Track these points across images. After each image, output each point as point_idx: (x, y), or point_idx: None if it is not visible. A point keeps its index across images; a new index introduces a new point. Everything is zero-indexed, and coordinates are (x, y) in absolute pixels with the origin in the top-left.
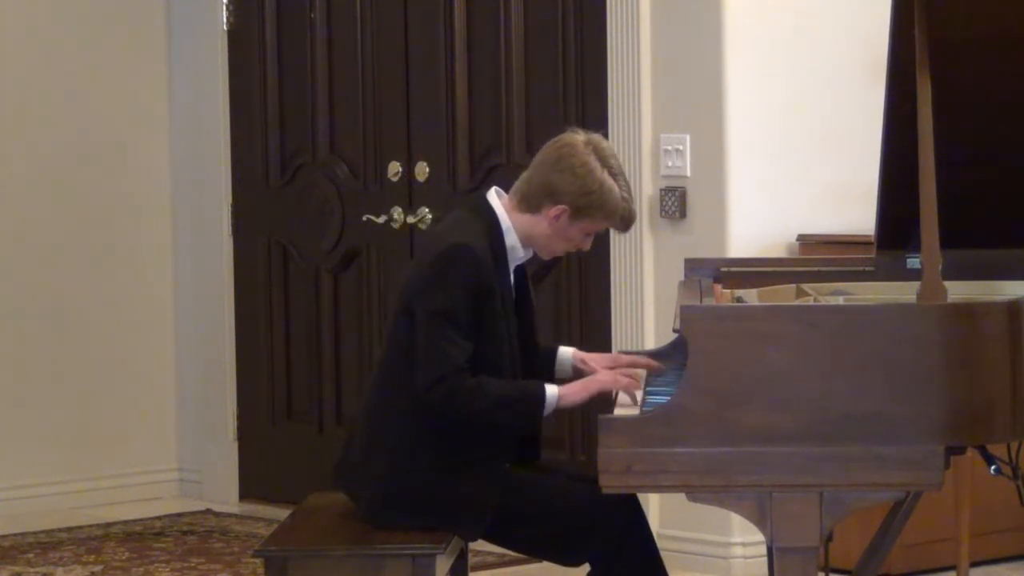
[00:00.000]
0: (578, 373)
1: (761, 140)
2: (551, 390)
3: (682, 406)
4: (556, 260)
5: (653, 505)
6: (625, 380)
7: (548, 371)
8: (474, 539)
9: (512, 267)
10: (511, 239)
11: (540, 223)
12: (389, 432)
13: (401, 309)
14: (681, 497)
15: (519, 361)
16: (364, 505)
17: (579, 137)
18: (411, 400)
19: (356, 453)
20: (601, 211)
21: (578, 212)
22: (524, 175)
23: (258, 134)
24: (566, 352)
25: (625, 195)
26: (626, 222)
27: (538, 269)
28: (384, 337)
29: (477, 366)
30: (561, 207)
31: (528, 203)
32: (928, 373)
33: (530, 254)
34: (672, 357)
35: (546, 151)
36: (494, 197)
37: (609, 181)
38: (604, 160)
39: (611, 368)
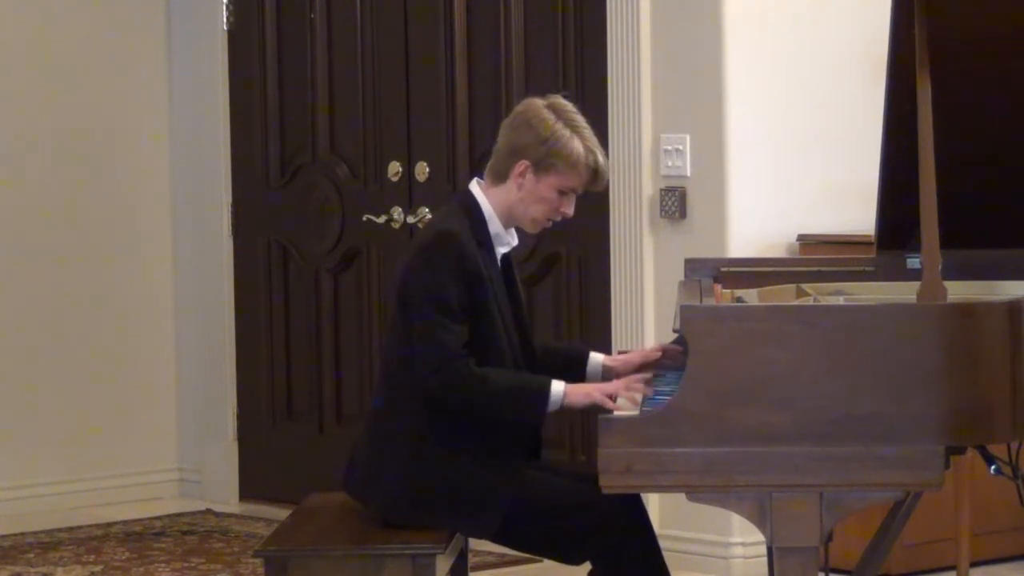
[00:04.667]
0: (607, 377)
1: (761, 140)
2: (557, 386)
3: (682, 406)
4: (555, 261)
5: (653, 505)
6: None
7: (579, 373)
8: (489, 535)
9: (499, 255)
10: (495, 226)
11: (511, 189)
12: (398, 432)
13: (396, 307)
14: (681, 497)
15: (519, 351)
16: (377, 506)
17: (538, 99)
18: (417, 398)
19: (364, 456)
20: (562, 159)
21: (540, 164)
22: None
23: (258, 134)
24: (596, 358)
25: (589, 145)
26: (595, 173)
27: (538, 269)
28: (383, 339)
29: (477, 355)
30: (523, 163)
31: (498, 173)
32: (928, 373)
33: (515, 241)
34: (672, 357)
35: (506, 120)
36: (476, 187)
37: (564, 130)
38: (561, 114)
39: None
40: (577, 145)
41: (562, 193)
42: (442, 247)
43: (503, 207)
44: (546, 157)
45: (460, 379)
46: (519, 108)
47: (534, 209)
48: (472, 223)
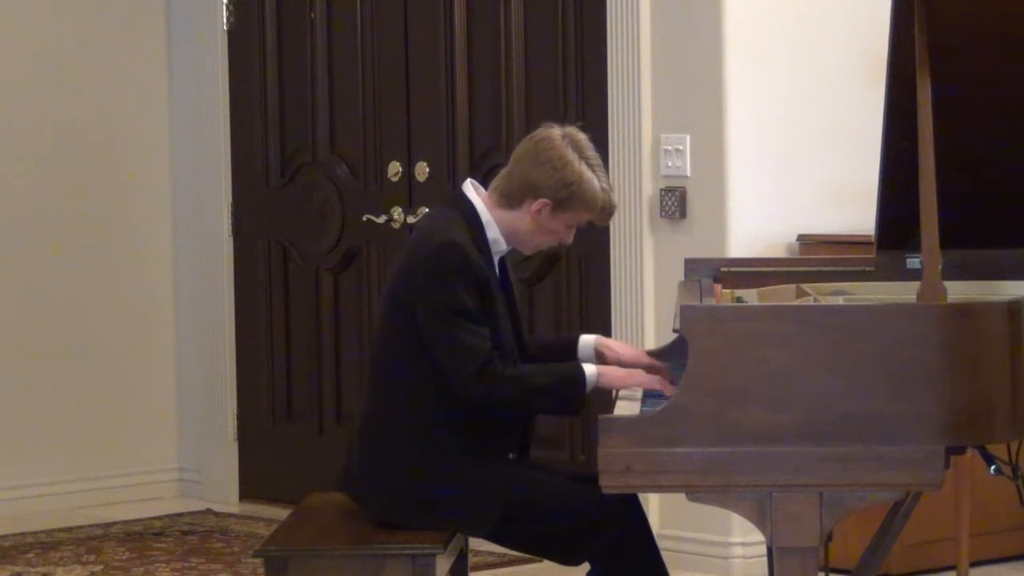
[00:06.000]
0: (600, 358)
1: (761, 140)
2: (589, 368)
3: (682, 406)
4: (555, 261)
5: (653, 505)
6: (666, 387)
7: (571, 359)
8: (486, 534)
9: (495, 260)
10: (492, 232)
11: (522, 218)
12: (391, 433)
13: (392, 308)
14: (681, 497)
15: (516, 353)
16: (375, 508)
17: (555, 131)
18: (409, 398)
19: (359, 457)
20: (581, 202)
21: (559, 204)
22: (503, 172)
23: (258, 134)
24: (588, 339)
25: (604, 186)
26: (607, 213)
27: (538, 269)
28: (373, 337)
29: None
30: (542, 201)
31: (509, 200)
32: (928, 373)
33: (509, 247)
34: (672, 357)
35: (524, 147)
36: (471, 190)
37: (588, 172)
38: (581, 152)
39: (636, 361)
40: (596, 187)
41: (569, 226)
42: (450, 256)
43: (508, 229)
44: (568, 199)
45: (501, 380)
46: (540, 143)
47: (540, 239)
48: (470, 228)
